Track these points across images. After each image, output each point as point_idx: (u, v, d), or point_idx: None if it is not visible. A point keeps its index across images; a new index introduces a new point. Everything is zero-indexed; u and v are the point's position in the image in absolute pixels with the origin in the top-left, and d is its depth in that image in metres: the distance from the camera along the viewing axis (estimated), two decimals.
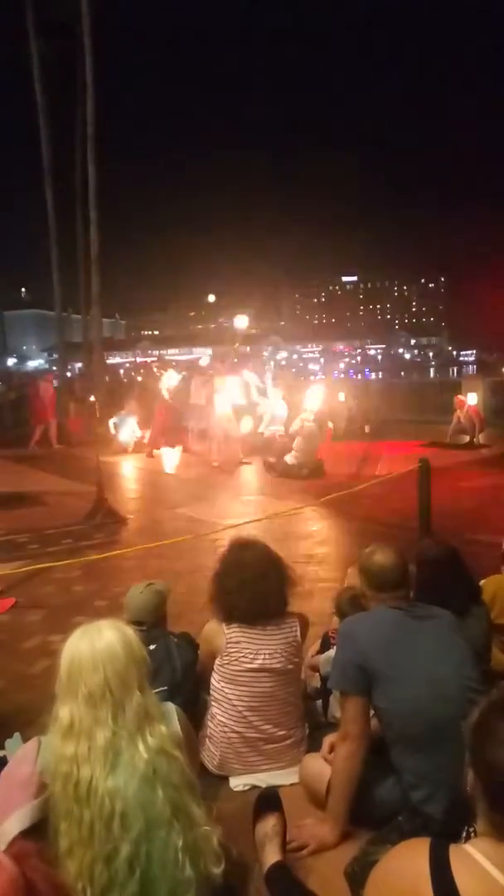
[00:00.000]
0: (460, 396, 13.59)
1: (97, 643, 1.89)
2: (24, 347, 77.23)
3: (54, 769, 1.83)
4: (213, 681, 2.97)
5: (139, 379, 22.81)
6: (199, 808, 1.91)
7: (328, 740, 2.67)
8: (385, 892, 1.31)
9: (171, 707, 2.10)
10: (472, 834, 1.35)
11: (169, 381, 13.97)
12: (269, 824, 2.36)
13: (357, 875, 2.09)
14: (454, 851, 1.27)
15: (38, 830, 1.73)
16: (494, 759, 1.23)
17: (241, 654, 2.88)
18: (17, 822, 1.74)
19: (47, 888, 1.10)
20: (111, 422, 13.75)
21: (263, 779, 2.85)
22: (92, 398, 16.07)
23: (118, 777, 1.80)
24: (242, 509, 8.31)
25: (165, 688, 2.81)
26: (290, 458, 10.27)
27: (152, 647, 2.94)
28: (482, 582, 3.46)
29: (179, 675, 2.96)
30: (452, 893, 1.21)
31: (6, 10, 19.18)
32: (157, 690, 2.42)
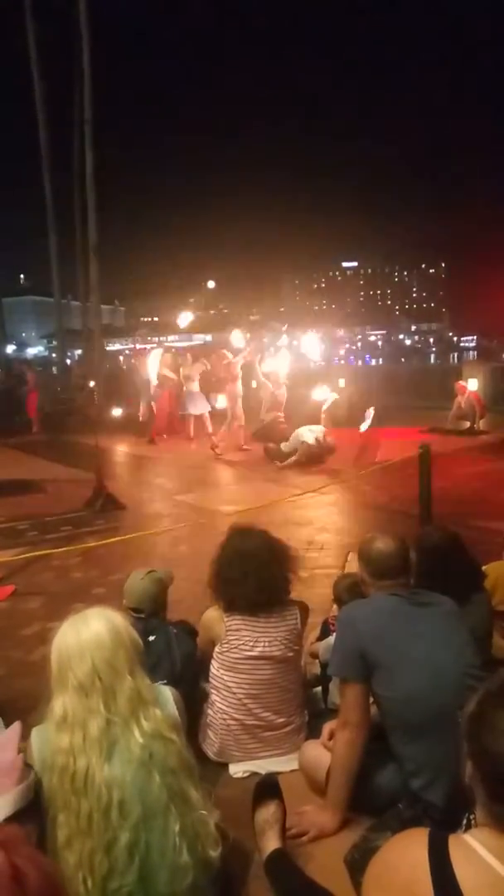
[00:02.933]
0: (461, 382, 13.54)
1: (83, 633, 1.88)
2: (24, 334, 77.01)
3: (51, 761, 1.82)
4: (212, 668, 2.96)
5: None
6: (196, 791, 1.90)
7: (328, 727, 2.66)
8: (384, 883, 1.30)
9: (166, 690, 2.08)
10: (473, 821, 1.34)
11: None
12: (268, 811, 2.35)
13: (357, 862, 2.09)
14: (453, 841, 1.25)
15: (24, 816, 1.71)
16: (493, 750, 1.22)
17: (241, 642, 2.87)
18: (0, 809, 1.73)
19: (37, 875, 1.08)
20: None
21: (263, 766, 2.84)
22: (91, 384, 16.03)
23: (115, 765, 1.79)
24: (243, 496, 8.29)
25: (165, 681, 2.80)
26: (285, 446, 10.22)
27: (152, 638, 2.92)
28: (484, 568, 3.45)
29: (179, 668, 2.93)
30: (451, 884, 1.19)
31: None
32: (157, 684, 2.40)
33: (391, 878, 1.28)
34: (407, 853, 1.28)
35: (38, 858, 1.19)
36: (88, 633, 1.88)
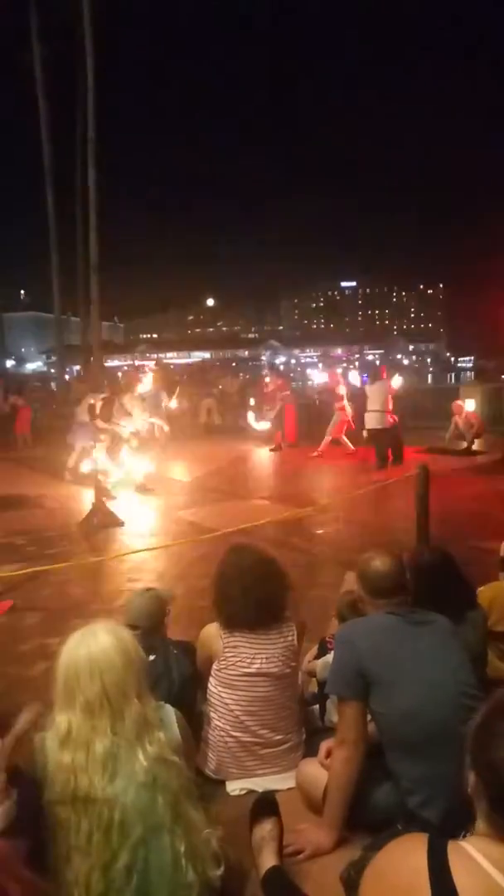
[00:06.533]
0: (458, 402, 13.62)
1: (94, 650, 1.87)
2: (23, 350, 76.99)
3: (52, 777, 1.83)
4: (209, 685, 2.97)
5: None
6: (197, 811, 1.91)
7: (325, 745, 2.66)
8: (382, 887, 1.31)
9: (169, 710, 2.09)
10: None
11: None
12: (265, 829, 2.36)
13: (353, 880, 2.08)
14: (452, 848, 1.27)
15: (11, 833, 1.72)
16: (498, 759, 1.24)
17: (238, 659, 2.88)
18: None
19: (18, 890, 1.09)
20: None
21: (260, 783, 2.84)
22: (92, 400, 16.05)
23: (117, 786, 1.79)
24: (240, 513, 8.30)
25: (163, 702, 2.79)
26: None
27: (151, 657, 2.91)
28: (480, 588, 3.46)
29: (177, 689, 2.92)
30: (450, 891, 1.21)
31: (8, 13, 19.27)
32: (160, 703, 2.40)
33: (389, 882, 1.29)
34: (407, 858, 1.30)
35: (23, 875, 1.20)
36: (99, 651, 1.87)
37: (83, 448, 10.86)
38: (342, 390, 12.99)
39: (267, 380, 15.85)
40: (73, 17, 17.44)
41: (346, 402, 12.81)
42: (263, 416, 15.32)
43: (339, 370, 15.87)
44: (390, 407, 11.30)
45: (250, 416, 16.16)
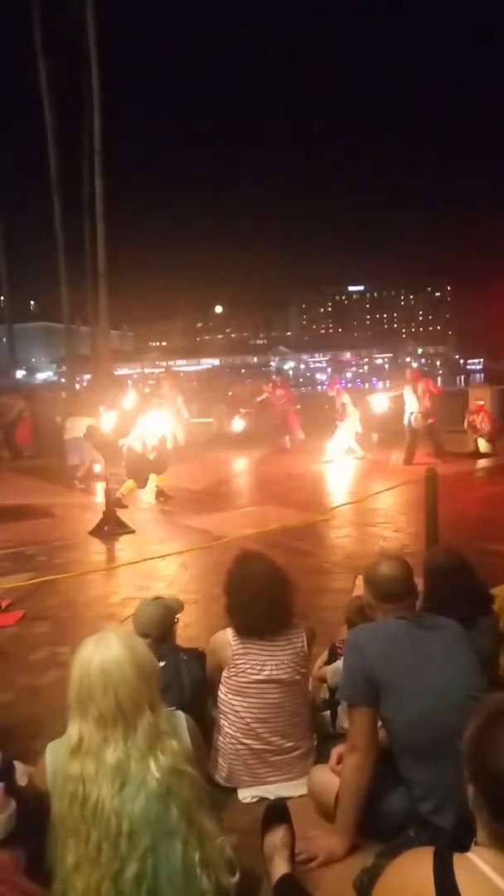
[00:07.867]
0: (479, 402, 13.72)
1: (107, 664, 1.85)
2: (33, 359, 77.40)
3: (61, 787, 1.83)
4: (220, 693, 2.97)
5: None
6: (210, 819, 1.90)
7: (336, 751, 2.65)
8: None
9: (180, 716, 2.09)
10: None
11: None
12: (277, 836, 2.35)
13: (366, 887, 2.07)
14: (458, 860, 1.27)
15: (9, 843, 1.72)
16: (494, 767, 1.23)
17: (249, 666, 2.88)
18: None
19: None
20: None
21: (272, 790, 2.83)
22: (101, 409, 16.08)
23: (126, 796, 1.79)
24: (249, 521, 8.30)
25: (174, 708, 2.80)
26: None
27: (161, 663, 2.92)
28: (491, 591, 3.44)
29: (188, 694, 2.93)
30: None
31: (14, 28, 19.49)
32: (171, 709, 2.40)
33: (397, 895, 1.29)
34: (413, 871, 1.29)
35: (23, 885, 1.20)
36: (112, 665, 1.85)
37: (91, 461, 11.11)
38: (345, 398, 12.90)
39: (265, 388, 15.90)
40: (78, 29, 17.60)
41: (351, 408, 12.73)
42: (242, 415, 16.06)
43: (347, 376, 15.99)
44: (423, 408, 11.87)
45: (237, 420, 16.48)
